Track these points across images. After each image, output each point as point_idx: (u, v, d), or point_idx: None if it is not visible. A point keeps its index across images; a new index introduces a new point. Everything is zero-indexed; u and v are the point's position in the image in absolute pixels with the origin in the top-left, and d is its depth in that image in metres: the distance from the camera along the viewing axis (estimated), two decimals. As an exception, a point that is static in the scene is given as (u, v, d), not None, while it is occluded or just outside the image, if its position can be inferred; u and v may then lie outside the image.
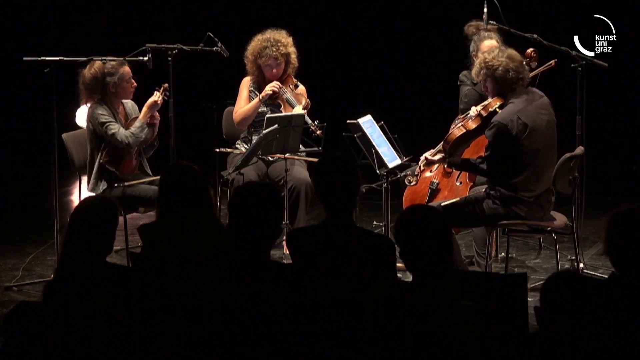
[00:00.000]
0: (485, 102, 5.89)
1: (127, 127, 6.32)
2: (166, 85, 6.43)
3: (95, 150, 6.32)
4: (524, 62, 5.84)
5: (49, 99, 6.16)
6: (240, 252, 3.61)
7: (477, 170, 5.87)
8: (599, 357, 3.17)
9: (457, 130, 5.89)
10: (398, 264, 4.08)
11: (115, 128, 6.25)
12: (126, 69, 6.33)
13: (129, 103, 6.52)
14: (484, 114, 5.81)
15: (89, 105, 6.38)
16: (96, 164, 6.29)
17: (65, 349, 3.50)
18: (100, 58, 6.31)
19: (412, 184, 6.44)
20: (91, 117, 6.29)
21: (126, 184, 6.29)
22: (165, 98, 6.40)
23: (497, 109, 5.72)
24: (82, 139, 6.59)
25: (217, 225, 4.35)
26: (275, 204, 3.69)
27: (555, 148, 5.79)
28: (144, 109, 6.38)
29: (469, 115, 6.01)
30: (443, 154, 5.93)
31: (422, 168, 6.24)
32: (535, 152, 5.63)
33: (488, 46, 6.46)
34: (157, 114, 6.43)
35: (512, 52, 5.73)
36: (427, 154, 6.03)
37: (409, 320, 3.28)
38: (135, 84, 6.39)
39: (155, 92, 6.38)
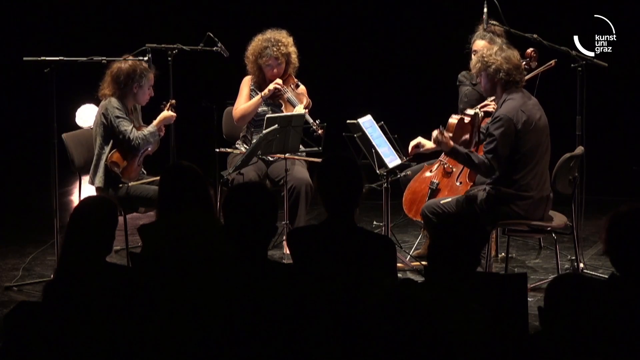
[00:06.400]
0: (484, 103, 5.94)
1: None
2: (173, 101, 6.47)
3: (105, 145, 6.32)
4: (523, 64, 5.87)
5: (49, 99, 6.16)
6: (237, 252, 3.61)
7: (471, 162, 5.80)
8: (600, 357, 3.17)
9: (452, 120, 6.05)
10: (398, 264, 4.09)
11: (128, 127, 6.27)
12: (151, 75, 6.39)
13: (137, 106, 6.54)
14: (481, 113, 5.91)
15: (104, 98, 6.37)
16: (102, 162, 6.30)
17: (65, 349, 3.50)
18: (100, 58, 6.31)
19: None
20: (106, 110, 6.29)
21: (130, 184, 6.30)
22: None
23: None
24: (82, 139, 6.59)
25: (216, 225, 4.35)
26: (268, 202, 3.69)
27: (549, 148, 5.81)
28: (159, 118, 6.42)
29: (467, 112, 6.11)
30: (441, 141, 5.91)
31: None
32: (536, 147, 5.67)
33: (481, 46, 6.48)
34: (164, 127, 6.47)
35: (511, 53, 5.75)
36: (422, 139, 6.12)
37: (414, 318, 3.28)
38: (152, 93, 6.42)
39: (166, 108, 6.41)
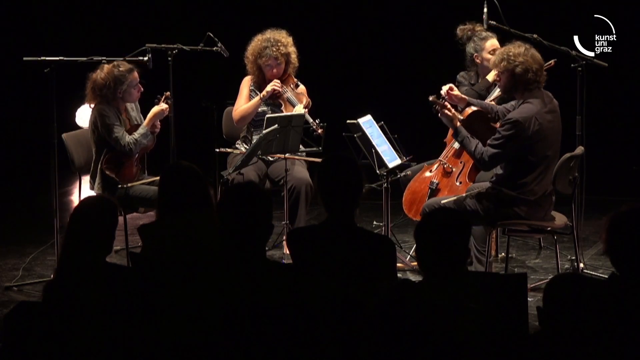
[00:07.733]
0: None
1: (129, 132, 6.32)
2: (168, 93, 6.46)
3: (100, 151, 6.31)
4: (544, 66, 5.81)
5: (49, 99, 6.16)
6: (235, 252, 3.61)
7: (469, 147, 5.77)
8: (600, 357, 3.18)
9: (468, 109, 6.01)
10: (398, 264, 4.08)
11: (119, 132, 6.25)
12: (134, 74, 6.32)
13: (131, 105, 6.52)
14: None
15: (92, 105, 6.37)
16: (99, 168, 6.29)
17: (65, 349, 3.50)
18: (100, 58, 6.31)
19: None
20: (95, 119, 6.28)
21: (128, 184, 6.29)
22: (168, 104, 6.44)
23: None
24: (82, 139, 6.59)
25: (216, 226, 4.34)
26: (261, 201, 3.69)
27: (558, 155, 5.80)
28: (150, 116, 6.39)
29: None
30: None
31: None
32: (543, 157, 5.66)
33: (491, 45, 6.47)
34: (159, 122, 6.44)
35: (535, 53, 5.70)
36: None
37: (413, 319, 3.28)
38: (141, 88, 6.39)
39: (160, 102, 6.40)
